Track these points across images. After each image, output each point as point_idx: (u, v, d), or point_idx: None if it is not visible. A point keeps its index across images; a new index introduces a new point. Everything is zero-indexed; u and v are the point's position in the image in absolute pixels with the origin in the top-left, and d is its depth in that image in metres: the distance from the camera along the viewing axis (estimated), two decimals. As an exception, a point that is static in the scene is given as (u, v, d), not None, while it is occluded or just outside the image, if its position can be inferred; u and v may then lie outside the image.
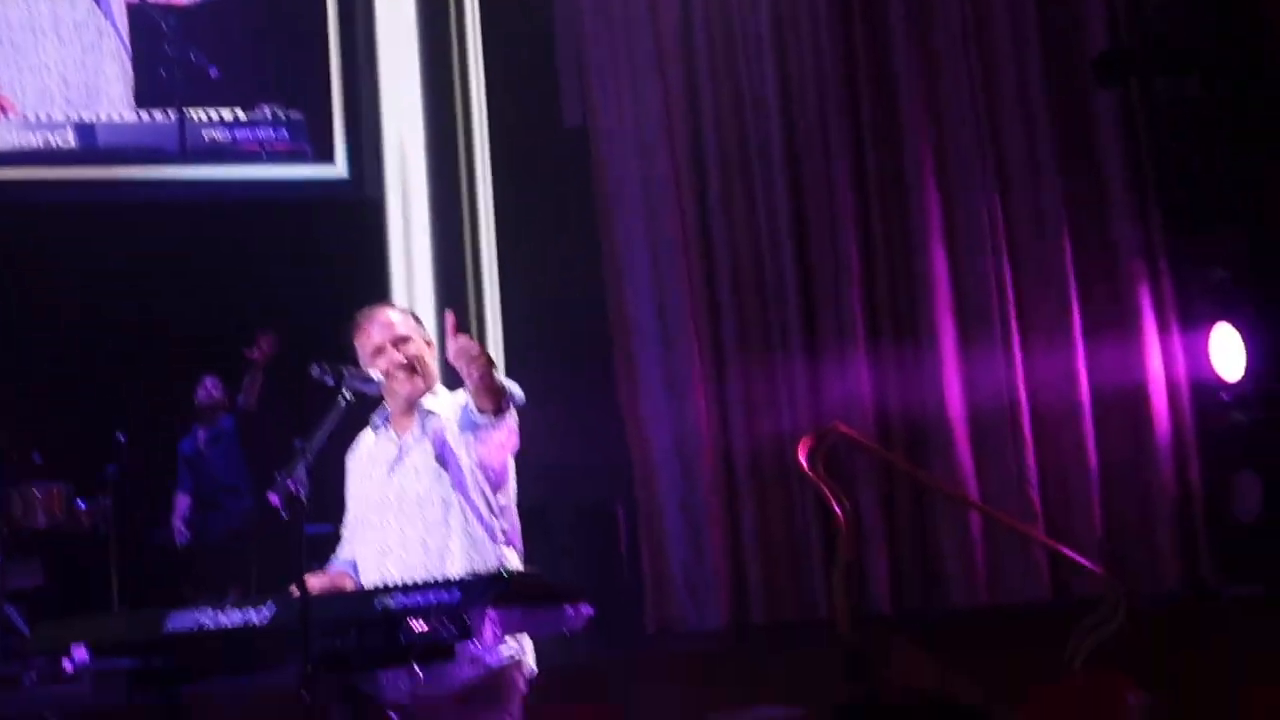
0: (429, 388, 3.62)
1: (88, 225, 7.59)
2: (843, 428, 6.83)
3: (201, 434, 7.54)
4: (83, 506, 7.20)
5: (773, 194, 7.29)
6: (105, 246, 7.57)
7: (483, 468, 3.50)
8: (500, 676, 3.42)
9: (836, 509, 6.58)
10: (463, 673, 3.36)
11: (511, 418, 3.46)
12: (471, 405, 3.41)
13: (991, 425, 7.16)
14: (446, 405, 3.59)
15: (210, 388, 7.52)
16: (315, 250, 7.84)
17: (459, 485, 3.49)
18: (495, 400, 3.37)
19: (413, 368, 3.58)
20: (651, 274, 7.22)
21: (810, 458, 6.63)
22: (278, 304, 7.67)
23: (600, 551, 7.11)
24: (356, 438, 3.77)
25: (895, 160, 7.36)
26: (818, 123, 7.35)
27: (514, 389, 3.46)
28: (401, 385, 3.58)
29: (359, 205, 7.70)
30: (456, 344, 3.30)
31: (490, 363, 3.33)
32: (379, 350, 3.59)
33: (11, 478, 6.97)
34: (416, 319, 3.73)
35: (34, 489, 7.05)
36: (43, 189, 7.49)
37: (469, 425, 3.44)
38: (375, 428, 3.69)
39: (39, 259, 7.59)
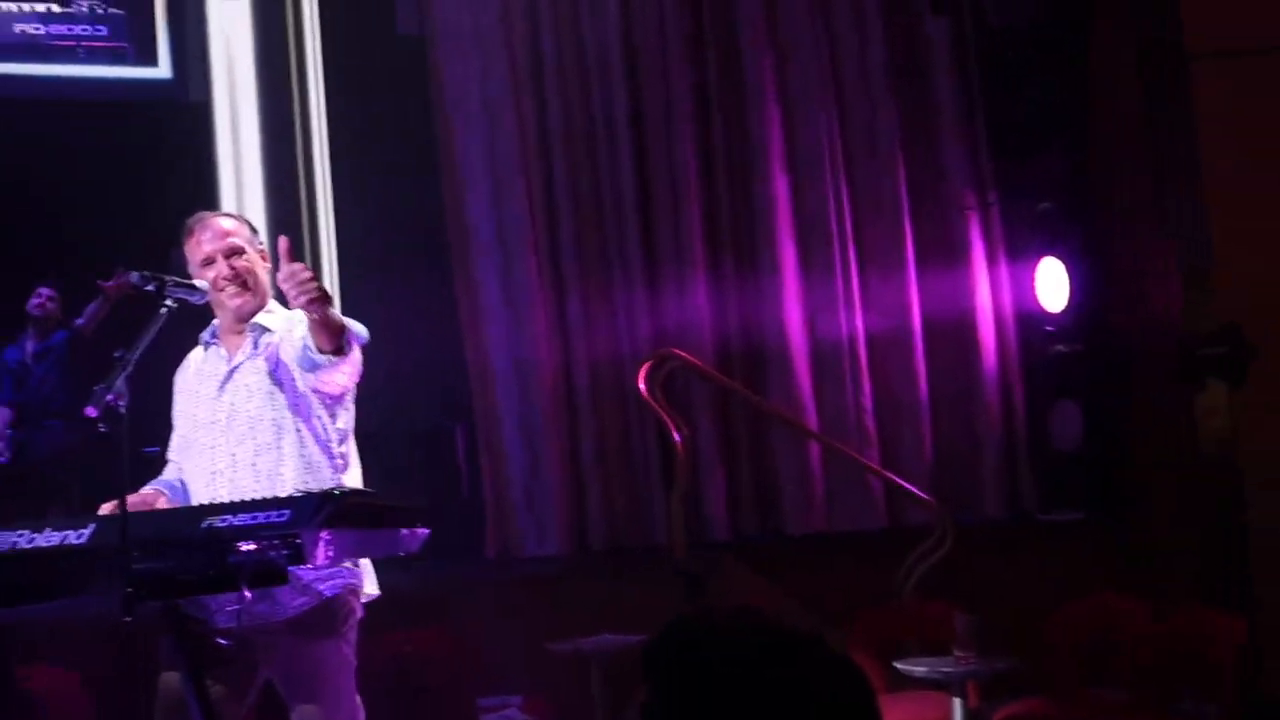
0: (261, 304, 3.45)
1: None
2: (680, 353, 6.83)
3: (30, 345, 7.14)
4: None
5: (613, 107, 7.16)
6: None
7: (319, 393, 3.35)
8: (335, 603, 3.31)
9: (675, 435, 6.59)
10: (295, 601, 3.24)
11: (354, 356, 3.29)
12: (310, 343, 3.22)
13: (830, 353, 7.20)
14: (281, 322, 3.42)
15: (45, 298, 7.11)
16: (138, 156, 7.48)
17: (294, 407, 3.35)
18: (334, 339, 3.19)
19: (244, 282, 3.40)
20: (491, 187, 7.04)
21: (649, 382, 6.61)
22: (99, 211, 7.31)
23: (439, 473, 6.99)
24: (186, 356, 3.58)
25: (736, 76, 7.30)
26: (657, 34, 7.23)
27: (357, 329, 3.30)
28: (231, 299, 3.41)
29: (184, 109, 7.36)
30: (287, 268, 3.12)
31: (325, 296, 3.14)
32: (209, 260, 3.41)
33: None
34: (253, 229, 3.54)
35: None
36: None
37: (309, 365, 3.25)
38: (205, 344, 3.51)
39: None
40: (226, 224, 3.47)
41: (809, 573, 6.56)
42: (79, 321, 7.04)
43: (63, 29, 7.25)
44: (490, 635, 5.63)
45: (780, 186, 7.23)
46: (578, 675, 5.41)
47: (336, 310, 3.24)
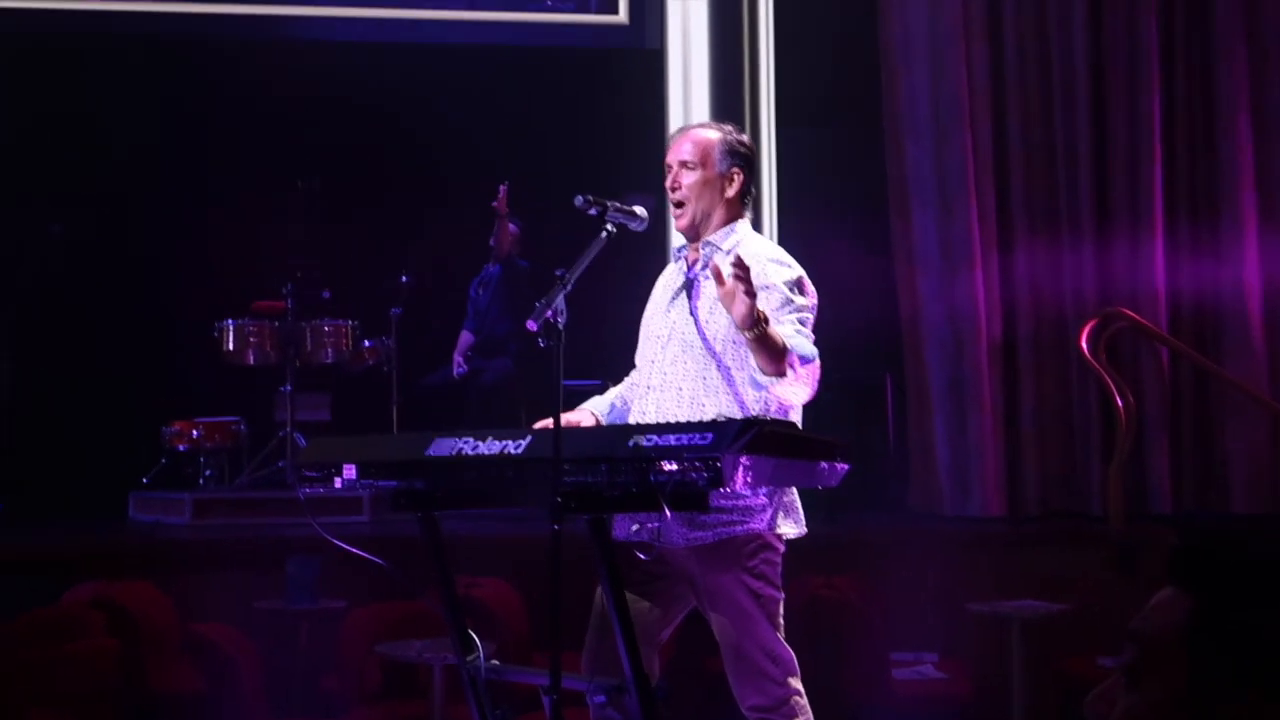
0: (691, 224, 3.41)
1: (375, 65, 7.74)
2: (1129, 313, 6.48)
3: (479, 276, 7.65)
4: (368, 345, 7.42)
5: (1071, 54, 6.85)
6: (390, 88, 7.72)
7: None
8: (735, 541, 3.29)
9: (1117, 400, 6.26)
10: (691, 534, 3.26)
11: (804, 376, 3.17)
12: (752, 363, 3.18)
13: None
14: (737, 244, 3.35)
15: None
16: (593, 99, 7.83)
17: (730, 342, 3.28)
18: (774, 363, 3.11)
19: (679, 200, 3.43)
20: (933, 136, 6.89)
21: (1092, 343, 6.33)
22: (555, 151, 7.71)
23: (866, 423, 6.93)
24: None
25: (1204, 21, 6.82)
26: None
27: (805, 350, 3.17)
28: (674, 216, 3.46)
29: (638, 55, 7.63)
30: (723, 278, 3.08)
31: (758, 316, 3.05)
32: (667, 169, 3.47)
33: (303, 313, 7.24)
34: (732, 147, 3.41)
35: (324, 325, 7.28)
36: (330, 26, 7.64)
37: (754, 385, 3.22)
38: (674, 256, 3.54)
39: (324, 97, 7.80)
40: (689, 137, 3.43)
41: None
42: (491, 244, 7.41)
43: (534, -23, 7.68)
44: (908, 590, 5.55)
45: (1246, 140, 6.72)
46: (996, 638, 5.25)
47: (779, 330, 3.16)
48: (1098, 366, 6.33)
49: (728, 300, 3.09)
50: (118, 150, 7.84)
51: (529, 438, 3.11)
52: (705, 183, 3.41)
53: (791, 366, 3.15)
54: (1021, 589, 5.44)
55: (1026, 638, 5.12)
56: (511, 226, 7.35)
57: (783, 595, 3.35)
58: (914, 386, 6.90)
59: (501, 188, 7.14)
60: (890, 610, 5.31)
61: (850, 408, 7.00)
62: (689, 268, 3.45)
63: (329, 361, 7.33)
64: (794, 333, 3.24)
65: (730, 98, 7.15)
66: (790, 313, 3.29)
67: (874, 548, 5.94)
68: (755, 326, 3.08)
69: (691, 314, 3.37)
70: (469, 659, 3.40)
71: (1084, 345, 6.32)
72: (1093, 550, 5.95)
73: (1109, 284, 6.72)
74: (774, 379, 3.16)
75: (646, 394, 3.42)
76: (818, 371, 3.25)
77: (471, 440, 3.19)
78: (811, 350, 3.22)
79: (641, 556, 3.17)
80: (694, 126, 3.53)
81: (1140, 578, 5.64)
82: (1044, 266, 6.78)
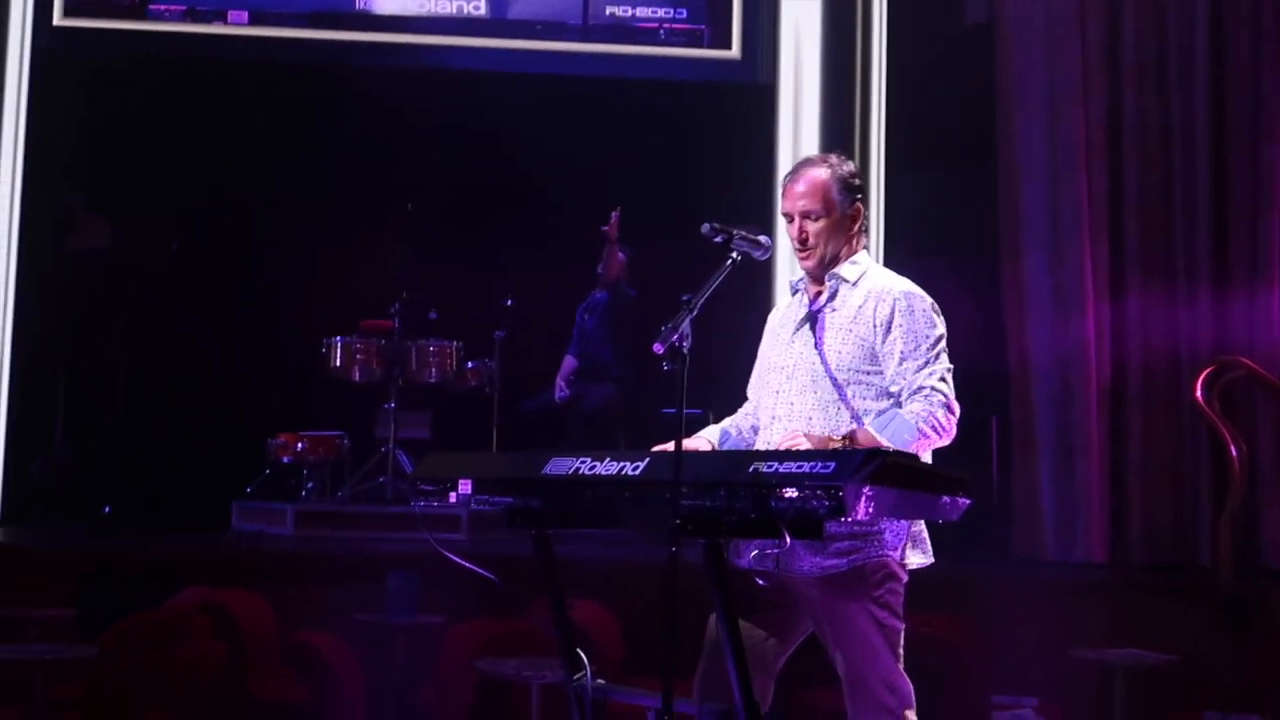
0: (820, 264, 3.44)
1: (490, 94, 7.85)
2: (1246, 361, 6.36)
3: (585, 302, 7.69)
4: (470, 366, 7.50)
5: (1191, 103, 6.78)
6: (503, 116, 7.83)
7: None
8: (863, 570, 3.27)
9: (1231, 449, 6.15)
10: (825, 562, 3.25)
11: (925, 444, 3.34)
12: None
13: None
14: (863, 276, 3.40)
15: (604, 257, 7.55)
16: (703, 132, 7.87)
17: (857, 371, 3.33)
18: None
19: (807, 245, 3.45)
20: (1048, 180, 6.85)
21: (1206, 392, 6.22)
22: (662, 181, 7.74)
23: (970, 463, 6.85)
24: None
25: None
26: (1249, 29, 6.76)
27: (903, 432, 3.27)
28: (799, 260, 3.48)
29: (750, 90, 7.66)
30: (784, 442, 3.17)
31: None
32: (787, 217, 3.49)
33: (410, 333, 7.33)
34: (844, 181, 3.44)
35: (429, 345, 7.39)
36: (446, 54, 7.77)
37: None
38: (793, 289, 3.57)
39: (439, 123, 7.92)
40: (803, 185, 3.44)
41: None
42: (599, 271, 7.44)
43: (648, 11, 7.75)
44: (1010, 633, 5.47)
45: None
46: (1099, 686, 5.15)
47: (886, 429, 3.26)
48: (1211, 414, 6.23)
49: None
50: (237, 171, 8.02)
51: (647, 459, 3.12)
52: (832, 228, 3.44)
53: (909, 448, 3.23)
54: (1126, 638, 5.34)
55: (1131, 687, 5.02)
56: (620, 254, 7.40)
57: (904, 626, 3.33)
58: (1020, 429, 6.83)
59: (614, 214, 7.19)
60: (991, 652, 5.24)
61: (954, 448, 6.91)
62: (812, 300, 3.47)
63: (432, 381, 7.42)
64: (931, 387, 3.32)
65: (840, 134, 7.16)
66: (926, 350, 3.34)
67: (978, 589, 5.86)
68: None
69: (817, 347, 3.38)
70: (576, 677, 3.42)
71: (1198, 393, 6.22)
72: (1200, 602, 5.84)
73: (1223, 332, 6.63)
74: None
75: (772, 424, 3.41)
76: (941, 418, 3.34)
77: (589, 460, 3.21)
78: (926, 419, 3.30)
79: (761, 583, 3.16)
80: (803, 168, 3.51)
81: (1253, 632, 5.52)
82: (1157, 313, 6.69)
